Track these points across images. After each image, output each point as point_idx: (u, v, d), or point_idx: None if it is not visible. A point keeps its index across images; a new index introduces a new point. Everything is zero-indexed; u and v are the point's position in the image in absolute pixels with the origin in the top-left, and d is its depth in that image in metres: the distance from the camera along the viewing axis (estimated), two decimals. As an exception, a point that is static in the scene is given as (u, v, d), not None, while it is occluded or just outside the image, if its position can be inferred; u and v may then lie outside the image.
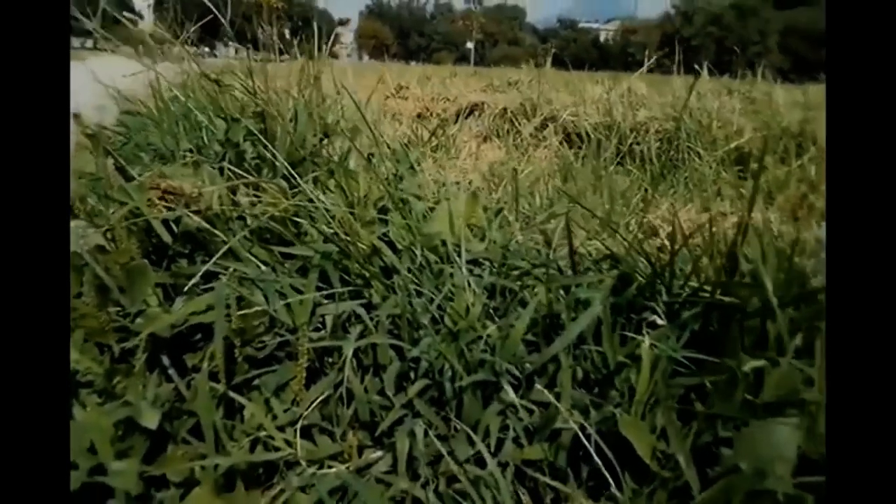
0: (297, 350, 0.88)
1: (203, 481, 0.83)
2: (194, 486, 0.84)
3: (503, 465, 0.83)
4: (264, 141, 1.17)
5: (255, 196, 1.17)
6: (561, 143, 2.65)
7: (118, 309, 1.05)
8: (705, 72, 3.81)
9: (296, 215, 1.13)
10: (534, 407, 0.90)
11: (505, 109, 3.26)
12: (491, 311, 1.04)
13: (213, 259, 0.95)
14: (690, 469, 0.73)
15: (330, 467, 0.87)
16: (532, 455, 0.84)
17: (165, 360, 0.98)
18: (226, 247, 0.97)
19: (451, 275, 1.05)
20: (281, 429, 0.89)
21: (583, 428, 0.87)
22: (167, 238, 1.15)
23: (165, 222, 1.19)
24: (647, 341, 0.85)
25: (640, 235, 1.39)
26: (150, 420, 0.79)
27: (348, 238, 1.04)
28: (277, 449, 0.87)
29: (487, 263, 1.17)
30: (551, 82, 4.19)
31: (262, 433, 0.87)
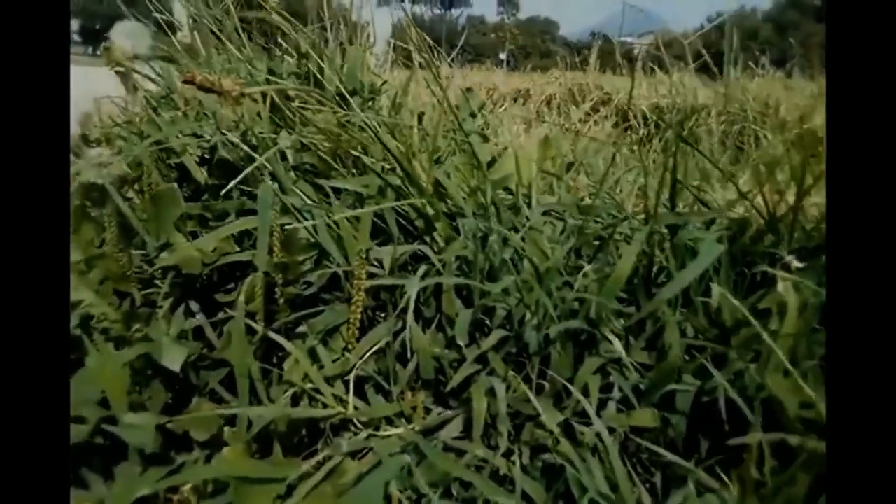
0: (350, 290, 0.73)
1: (232, 442, 0.68)
2: (222, 448, 0.69)
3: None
4: (313, 70, 1.03)
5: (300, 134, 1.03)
6: (616, 125, 2.48)
7: (142, 253, 0.91)
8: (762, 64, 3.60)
9: (346, 152, 0.99)
10: (632, 368, 0.73)
11: (552, 96, 3.10)
12: (574, 259, 0.87)
13: (243, 175, 0.80)
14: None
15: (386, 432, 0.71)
16: (641, 421, 0.67)
17: (194, 306, 0.84)
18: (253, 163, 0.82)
19: (527, 217, 0.89)
20: (329, 383, 0.73)
21: (702, 392, 0.70)
22: (200, 176, 1.02)
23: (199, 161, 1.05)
24: (787, 284, 0.68)
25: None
26: (174, 359, 0.65)
27: (408, 172, 0.88)
28: (324, 406, 0.71)
29: (563, 215, 1.01)
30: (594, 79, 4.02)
31: (308, 385, 0.71)
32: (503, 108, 2.54)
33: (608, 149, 1.89)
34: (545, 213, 0.98)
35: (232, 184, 0.70)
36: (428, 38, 1.23)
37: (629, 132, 2.48)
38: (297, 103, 1.10)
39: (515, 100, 3.18)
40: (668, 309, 0.79)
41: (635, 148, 2.29)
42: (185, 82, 0.64)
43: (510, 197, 1.04)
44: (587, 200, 1.15)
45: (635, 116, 2.49)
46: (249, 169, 0.75)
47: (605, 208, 1.03)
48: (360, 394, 0.76)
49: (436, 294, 0.83)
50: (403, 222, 0.93)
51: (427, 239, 0.90)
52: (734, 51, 2.77)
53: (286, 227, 0.75)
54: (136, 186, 1.07)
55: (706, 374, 0.71)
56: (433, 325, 0.79)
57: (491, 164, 1.15)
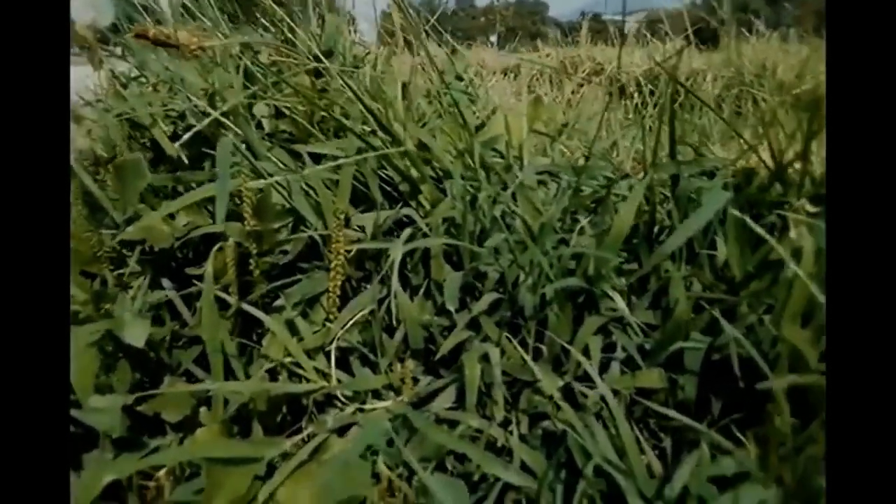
0: (329, 257, 0.67)
1: (208, 422, 0.63)
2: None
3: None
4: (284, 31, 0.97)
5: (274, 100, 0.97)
6: (609, 94, 2.41)
7: (112, 232, 0.85)
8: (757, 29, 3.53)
9: (324, 116, 0.93)
10: (636, 327, 0.68)
11: (543, 70, 3.03)
12: (569, 220, 0.82)
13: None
14: None
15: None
16: (648, 382, 0.62)
17: (167, 284, 0.78)
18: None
19: (519, 179, 0.83)
20: (310, 356, 0.68)
21: (712, 350, 0.65)
22: (172, 150, 0.96)
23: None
24: (800, 229, 0.63)
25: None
26: (136, 335, 0.59)
27: (390, 133, 0.83)
28: (306, 380, 0.66)
29: (557, 177, 0.95)
30: (585, 51, 3.94)
31: (287, 360, 0.66)
32: (492, 82, 2.47)
33: (601, 115, 1.83)
34: (538, 175, 0.93)
35: (187, 135, 0.64)
36: (415, 17, 1.17)
37: (623, 100, 2.42)
38: (273, 70, 1.04)
39: (505, 74, 3.11)
40: (672, 265, 0.73)
41: (630, 115, 2.23)
42: (138, 37, 0.59)
43: (500, 160, 0.98)
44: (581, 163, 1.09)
45: (628, 85, 2.42)
46: (206, 121, 0.69)
47: (602, 169, 0.98)
48: (346, 367, 0.71)
49: (423, 260, 0.78)
50: (387, 188, 0.87)
51: (413, 204, 0.85)
52: (729, 12, 2.71)
53: (256, 191, 0.69)
54: (109, 167, 1.01)
55: (715, 332, 0.66)
56: (421, 293, 0.74)
57: (479, 128, 1.09)
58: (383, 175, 0.88)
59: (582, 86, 2.78)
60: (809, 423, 0.54)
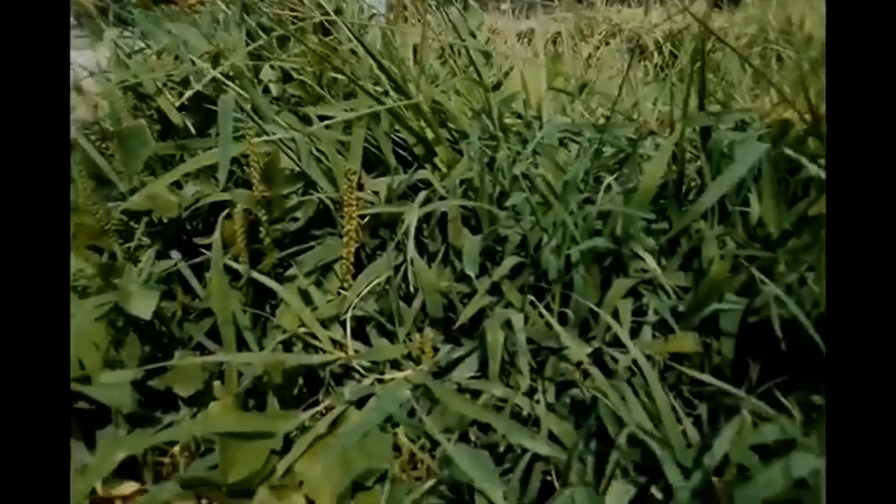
0: (342, 222, 0.64)
1: (222, 396, 0.60)
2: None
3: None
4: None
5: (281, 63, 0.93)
6: (630, 51, 2.33)
7: (117, 204, 0.83)
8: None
9: (333, 79, 0.89)
10: (669, 289, 0.64)
11: (559, 34, 2.93)
12: (592, 182, 0.78)
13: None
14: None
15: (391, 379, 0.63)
16: (682, 347, 0.58)
17: (176, 255, 0.76)
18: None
19: (540, 135, 0.79)
20: (325, 326, 0.65)
21: (749, 312, 0.61)
22: (177, 118, 0.92)
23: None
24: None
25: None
26: (143, 306, 0.57)
27: (404, 92, 0.79)
28: (321, 351, 0.63)
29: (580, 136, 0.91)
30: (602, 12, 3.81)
31: (301, 330, 0.63)
32: (507, 46, 2.40)
33: (623, 73, 1.76)
34: (559, 133, 0.88)
35: (188, 94, 0.61)
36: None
37: (643, 61, 2.34)
38: (277, 33, 1.00)
39: (519, 39, 3.01)
40: (704, 223, 0.69)
41: (650, 76, 2.16)
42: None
43: (518, 120, 0.94)
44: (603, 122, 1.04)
45: (647, 46, 2.33)
46: (205, 79, 0.65)
47: (625, 127, 0.93)
48: (363, 338, 0.68)
49: (440, 225, 0.74)
50: (401, 152, 0.83)
51: (428, 167, 0.81)
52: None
53: (264, 155, 0.65)
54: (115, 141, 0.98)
55: (751, 293, 0.62)
56: (438, 259, 0.71)
57: (496, 88, 1.04)
58: (397, 138, 0.84)
59: (599, 48, 2.69)
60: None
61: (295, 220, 0.70)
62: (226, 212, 0.65)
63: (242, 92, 0.78)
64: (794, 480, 0.42)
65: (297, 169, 0.71)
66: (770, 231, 0.67)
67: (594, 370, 0.54)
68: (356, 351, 0.63)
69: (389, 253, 0.67)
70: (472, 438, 0.62)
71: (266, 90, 0.94)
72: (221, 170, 0.60)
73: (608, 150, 0.86)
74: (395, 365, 0.66)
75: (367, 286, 0.64)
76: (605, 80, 1.69)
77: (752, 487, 0.42)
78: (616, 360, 0.57)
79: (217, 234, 0.61)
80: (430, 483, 0.50)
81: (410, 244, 0.62)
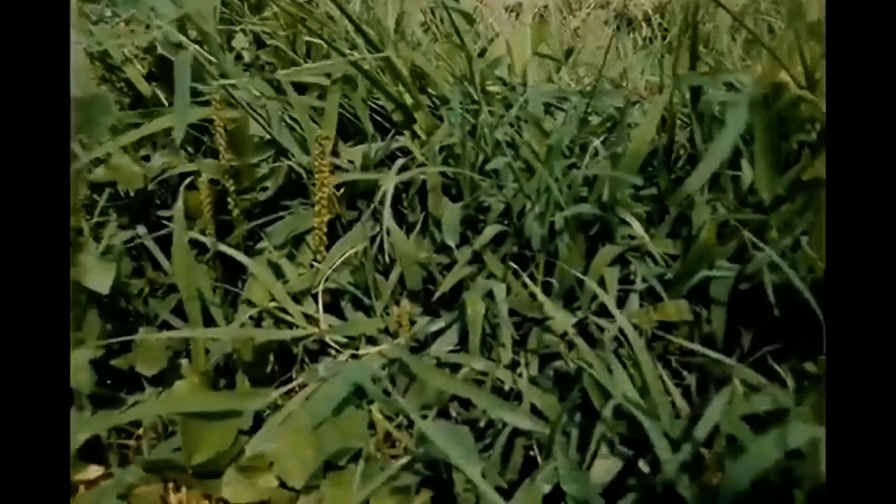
0: (314, 191, 0.61)
1: (188, 374, 0.57)
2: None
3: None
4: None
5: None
6: (617, 28, 2.29)
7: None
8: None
9: (308, 44, 0.85)
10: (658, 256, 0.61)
11: (546, 7, 2.87)
12: (578, 150, 0.74)
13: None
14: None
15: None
16: (670, 315, 0.56)
17: (142, 229, 0.72)
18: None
19: (523, 98, 0.75)
20: (298, 301, 0.62)
21: (740, 279, 0.58)
22: (145, 88, 0.88)
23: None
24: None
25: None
26: (101, 280, 0.54)
27: (381, 53, 0.75)
28: (293, 326, 0.60)
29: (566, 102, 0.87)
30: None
31: (271, 304, 0.60)
32: (493, 19, 2.34)
33: (609, 41, 1.72)
34: (545, 101, 0.85)
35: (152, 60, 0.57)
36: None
37: (631, 33, 2.29)
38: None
39: (507, 11, 2.96)
40: (698, 192, 0.66)
41: (639, 47, 2.11)
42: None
43: (503, 87, 0.90)
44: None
45: (636, 18, 2.28)
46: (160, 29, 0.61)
47: (613, 93, 0.89)
48: (338, 313, 0.65)
49: (420, 195, 0.71)
50: (380, 119, 0.79)
51: (407, 134, 0.77)
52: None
53: (230, 122, 0.62)
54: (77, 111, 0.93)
55: (743, 260, 0.59)
56: (417, 229, 0.67)
57: (481, 55, 1.01)
58: (376, 106, 0.80)
59: (586, 21, 2.64)
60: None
61: (265, 189, 0.66)
62: (188, 180, 0.62)
63: (211, 57, 0.73)
64: (789, 451, 0.39)
65: (267, 136, 0.67)
66: (763, 197, 0.64)
67: (579, 341, 0.51)
68: (330, 326, 0.60)
69: (364, 223, 0.63)
70: (453, 414, 0.59)
71: (239, 57, 0.90)
72: (177, 131, 0.56)
73: (595, 119, 0.83)
74: (372, 340, 0.63)
75: (341, 258, 0.61)
76: (593, 51, 1.65)
77: (745, 459, 0.39)
78: (602, 330, 0.55)
79: (178, 205, 0.57)
80: (403, 460, 0.48)
81: (386, 212, 0.59)
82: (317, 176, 0.57)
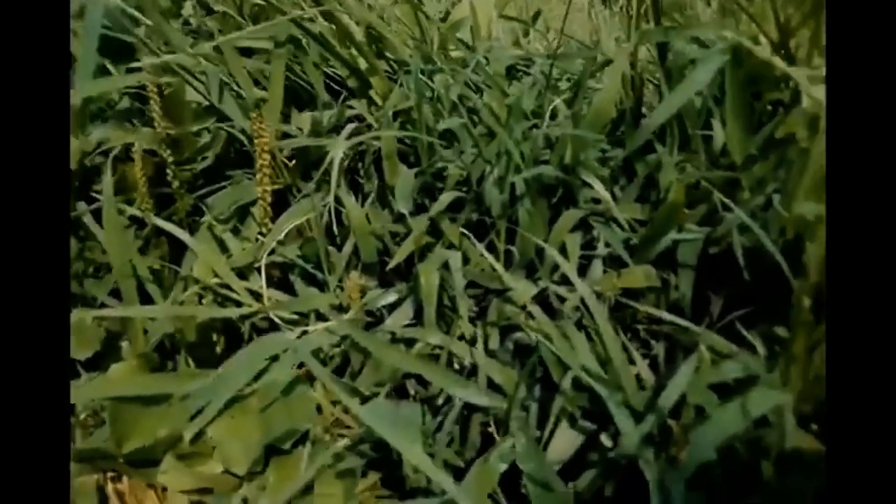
0: (256, 158, 0.57)
1: (127, 356, 0.54)
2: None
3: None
4: None
5: None
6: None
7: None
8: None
9: (256, 7, 0.80)
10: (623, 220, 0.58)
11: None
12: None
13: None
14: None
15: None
16: (635, 281, 0.53)
17: (82, 206, 0.68)
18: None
19: (482, 53, 0.71)
20: (244, 276, 0.58)
21: (710, 242, 0.55)
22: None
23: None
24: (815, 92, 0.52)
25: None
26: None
27: (333, 17, 0.70)
28: (238, 304, 0.57)
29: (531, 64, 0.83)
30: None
31: (214, 281, 0.56)
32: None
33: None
34: (512, 67, 0.81)
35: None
36: None
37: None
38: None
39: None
40: (664, 149, 0.63)
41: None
42: None
43: (467, 51, 0.86)
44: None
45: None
46: None
47: (580, 55, 0.86)
48: (289, 288, 0.61)
49: (378, 165, 0.67)
50: (337, 87, 0.75)
51: (364, 101, 0.73)
52: None
53: (165, 86, 0.57)
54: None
55: (713, 223, 0.56)
56: (372, 199, 0.64)
57: (444, 19, 0.96)
58: (332, 73, 0.76)
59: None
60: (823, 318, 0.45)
61: (206, 159, 0.62)
62: (115, 150, 0.57)
63: (148, 21, 0.68)
64: (755, 419, 0.36)
65: (206, 103, 0.62)
66: (734, 157, 0.61)
67: (536, 310, 0.48)
68: (277, 302, 0.56)
69: (311, 190, 0.59)
70: (411, 392, 0.56)
71: (187, 23, 0.85)
72: (78, 91, 0.52)
73: (564, 85, 0.80)
74: (326, 318, 0.59)
75: (287, 228, 0.57)
76: (561, 14, 1.60)
77: (708, 428, 0.36)
78: (563, 300, 0.51)
79: (107, 177, 0.53)
80: (343, 442, 0.44)
81: (334, 178, 0.55)
82: (256, 141, 0.53)
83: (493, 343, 0.54)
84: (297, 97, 0.75)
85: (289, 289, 0.62)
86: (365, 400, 0.50)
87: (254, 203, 0.60)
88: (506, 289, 0.55)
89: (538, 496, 0.41)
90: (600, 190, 0.54)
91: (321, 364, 0.53)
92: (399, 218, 0.63)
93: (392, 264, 0.56)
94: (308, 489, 0.45)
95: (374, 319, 0.59)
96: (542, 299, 0.54)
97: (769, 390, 0.36)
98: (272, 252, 0.57)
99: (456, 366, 0.53)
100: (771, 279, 0.50)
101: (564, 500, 0.41)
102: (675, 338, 0.53)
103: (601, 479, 0.44)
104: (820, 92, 0.50)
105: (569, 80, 0.83)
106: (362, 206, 0.63)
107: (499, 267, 0.52)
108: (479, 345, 0.51)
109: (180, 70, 0.62)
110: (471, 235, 0.56)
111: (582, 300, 0.49)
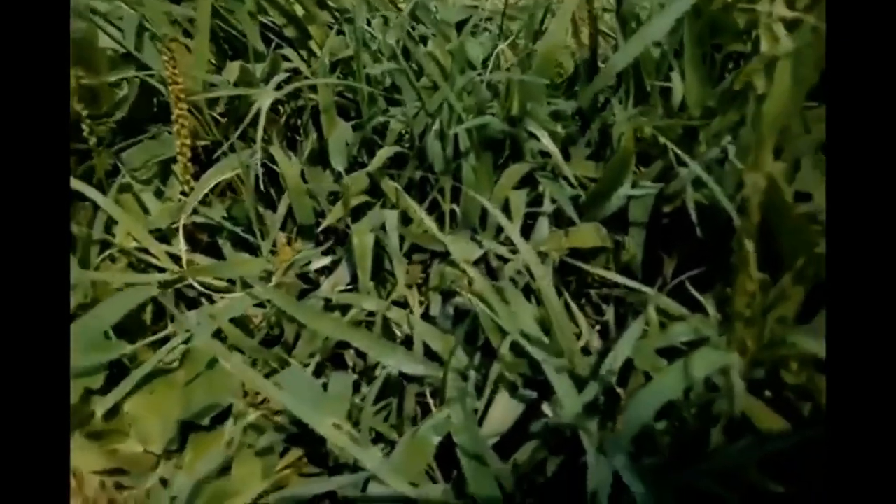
0: (174, 108, 0.51)
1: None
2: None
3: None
4: None
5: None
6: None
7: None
8: None
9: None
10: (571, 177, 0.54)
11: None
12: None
13: None
14: None
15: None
16: (583, 241, 0.49)
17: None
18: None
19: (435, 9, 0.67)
20: (167, 240, 0.54)
21: (663, 200, 0.52)
22: None
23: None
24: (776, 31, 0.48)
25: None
26: None
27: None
28: (161, 270, 0.52)
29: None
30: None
31: (131, 245, 0.52)
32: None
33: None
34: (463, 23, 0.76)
35: None
36: None
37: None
38: None
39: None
40: (619, 105, 0.60)
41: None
42: None
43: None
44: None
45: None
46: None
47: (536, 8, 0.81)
48: (216, 253, 0.57)
49: (315, 121, 0.62)
50: (270, 35, 0.70)
51: (303, 53, 0.68)
52: None
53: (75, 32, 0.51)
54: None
55: (667, 179, 0.53)
56: (306, 156, 0.59)
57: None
58: (269, 23, 0.70)
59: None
60: (779, 278, 0.42)
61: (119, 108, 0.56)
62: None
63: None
64: (700, 381, 0.33)
65: (123, 51, 0.57)
66: (692, 111, 0.58)
67: (474, 272, 0.44)
68: (200, 266, 0.52)
69: (238, 144, 0.55)
70: (350, 363, 0.52)
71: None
72: None
73: (521, 42, 0.75)
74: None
75: (209, 187, 0.53)
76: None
77: (647, 391, 0.33)
78: (506, 262, 0.48)
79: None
80: (255, 414, 0.41)
81: (260, 131, 0.51)
82: (171, 88, 0.48)
83: (435, 309, 0.51)
84: (235, 49, 0.69)
85: (219, 254, 0.58)
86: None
87: (175, 160, 0.55)
88: (448, 251, 0.51)
89: (472, 471, 0.38)
90: (547, 143, 0.50)
91: (248, 335, 0.50)
92: (339, 177, 0.58)
93: (324, 224, 0.52)
94: (227, 469, 0.42)
95: (310, 287, 0.55)
96: (487, 262, 0.51)
97: (714, 351, 0.34)
98: (195, 213, 0.53)
99: (398, 334, 0.50)
100: (725, 238, 0.47)
101: (500, 475, 0.38)
102: (628, 302, 0.50)
103: (542, 452, 0.41)
104: (780, 30, 0.47)
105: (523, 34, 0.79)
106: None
107: (433, 226, 0.48)
108: (416, 310, 0.47)
109: (92, 16, 0.56)
110: (408, 194, 0.52)
111: (523, 261, 0.45)
